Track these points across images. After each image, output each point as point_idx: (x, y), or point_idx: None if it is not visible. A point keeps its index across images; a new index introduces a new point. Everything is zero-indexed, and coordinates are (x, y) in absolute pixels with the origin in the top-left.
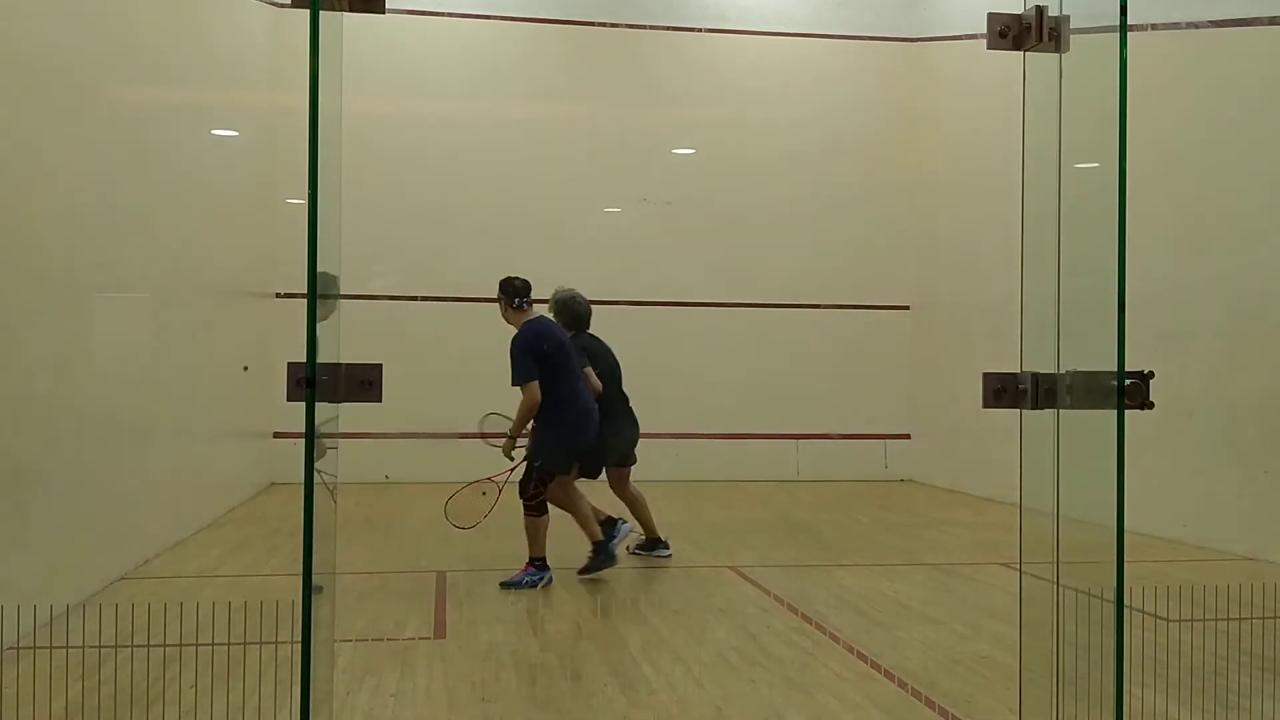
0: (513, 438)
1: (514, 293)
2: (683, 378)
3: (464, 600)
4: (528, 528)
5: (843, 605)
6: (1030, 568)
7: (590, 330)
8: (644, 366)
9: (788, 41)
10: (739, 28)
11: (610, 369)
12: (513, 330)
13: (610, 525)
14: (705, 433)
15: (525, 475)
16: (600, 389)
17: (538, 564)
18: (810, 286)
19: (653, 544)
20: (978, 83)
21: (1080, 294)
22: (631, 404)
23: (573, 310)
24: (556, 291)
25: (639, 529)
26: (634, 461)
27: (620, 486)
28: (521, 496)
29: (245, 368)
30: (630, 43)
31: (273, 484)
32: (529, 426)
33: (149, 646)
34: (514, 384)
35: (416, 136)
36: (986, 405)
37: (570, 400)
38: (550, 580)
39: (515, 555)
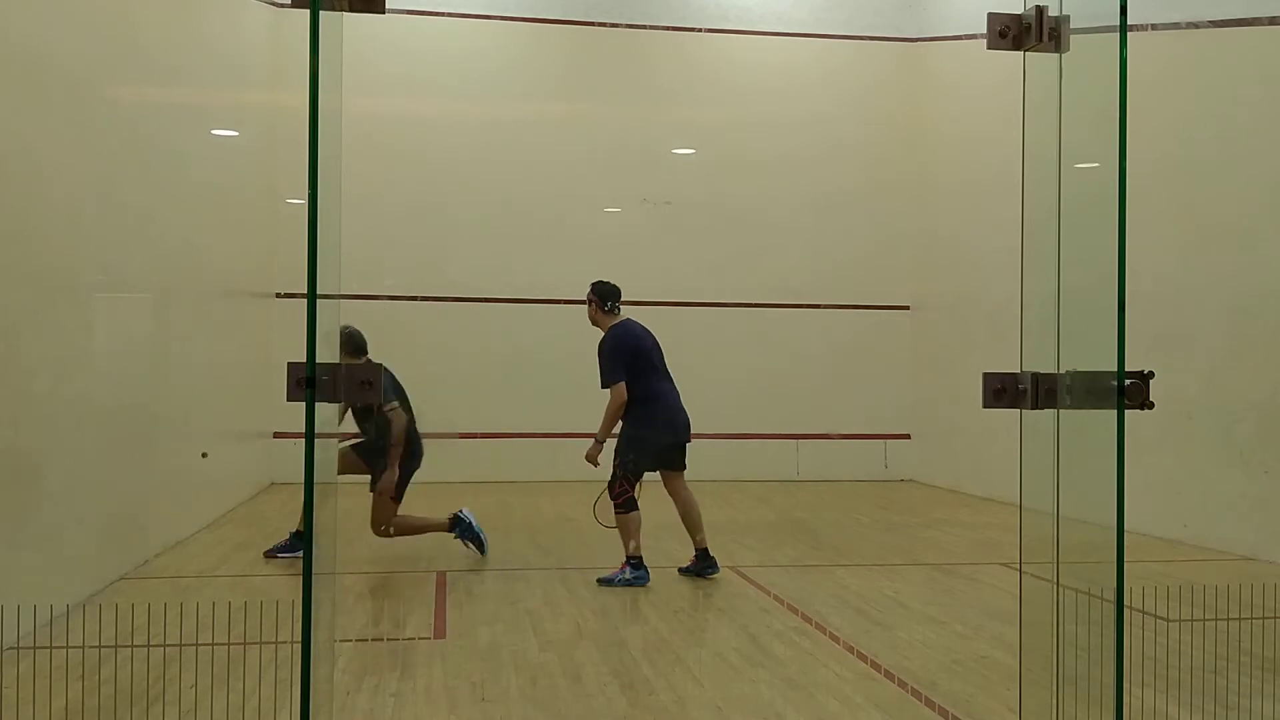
0: (600, 442)
1: (605, 295)
2: (683, 378)
3: (464, 600)
4: (619, 526)
5: (843, 605)
6: (1030, 568)
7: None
8: None
9: (788, 41)
10: (739, 28)
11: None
12: (598, 332)
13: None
14: (705, 433)
15: (612, 474)
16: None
17: (634, 563)
18: (810, 286)
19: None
20: (977, 83)
21: (1080, 294)
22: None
23: (356, 341)
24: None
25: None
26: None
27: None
28: (610, 496)
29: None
30: (630, 43)
31: (273, 484)
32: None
33: (149, 646)
34: (602, 386)
35: (416, 136)
36: (986, 405)
37: (656, 399)
38: (647, 580)
39: (516, 555)
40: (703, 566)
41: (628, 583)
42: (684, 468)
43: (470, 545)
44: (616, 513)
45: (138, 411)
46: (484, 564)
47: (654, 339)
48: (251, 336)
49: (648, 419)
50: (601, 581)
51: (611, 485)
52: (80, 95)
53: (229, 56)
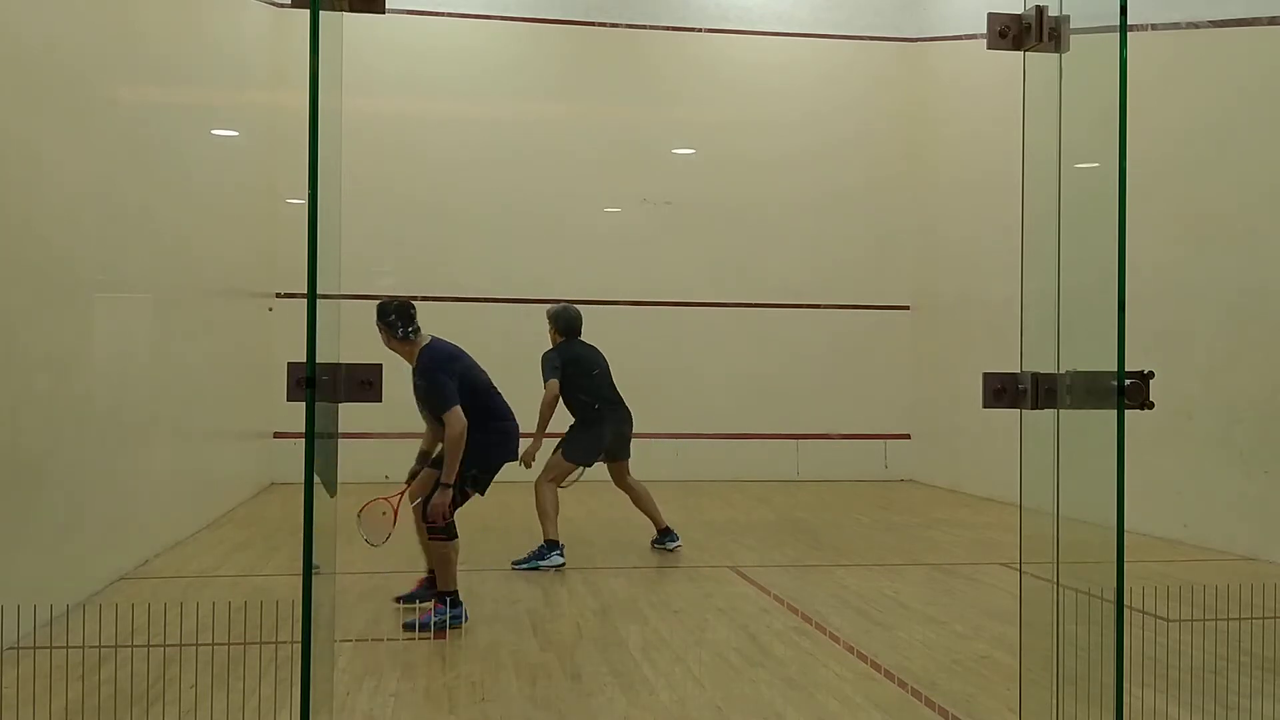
0: (448, 485)
1: (404, 319)
2: (683, 378)
3: (464, 600)
4: (438, 556)
5: (843, 605)
6: (1030, 568)
7: (587, 328)
8: (644, 366)
9: (788, 41)
10: (739, 28)
11: (604, 370)
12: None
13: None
14: (705, 433)
15: (431, 495)
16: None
17: (450, 599)
18: (810, 286)
19: (663, 535)
20: (978, 83)
21: (1080, 294)
22: (625, 400)
23: (568, 319)
24: (551, 308)
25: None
26: (628, 455)
27: (620, 480)
28: (427, 520)
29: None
30: (630, 43)
31: (273, 484)
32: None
33: (149, 646)
34: (440, 412)
35: (416, 136)
36: (986, 405)
37: (504, 417)
38: (465, 618)
39: (516, 555)
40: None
41: (441, 624)
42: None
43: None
44: (433, 538)
45: (138, 411)
46: (484, 564)
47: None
48: (251, 336)
49: (498, 439)
50: (408, 626)
51: (433, 509)
52: (80, 95)
53: (229, 56)
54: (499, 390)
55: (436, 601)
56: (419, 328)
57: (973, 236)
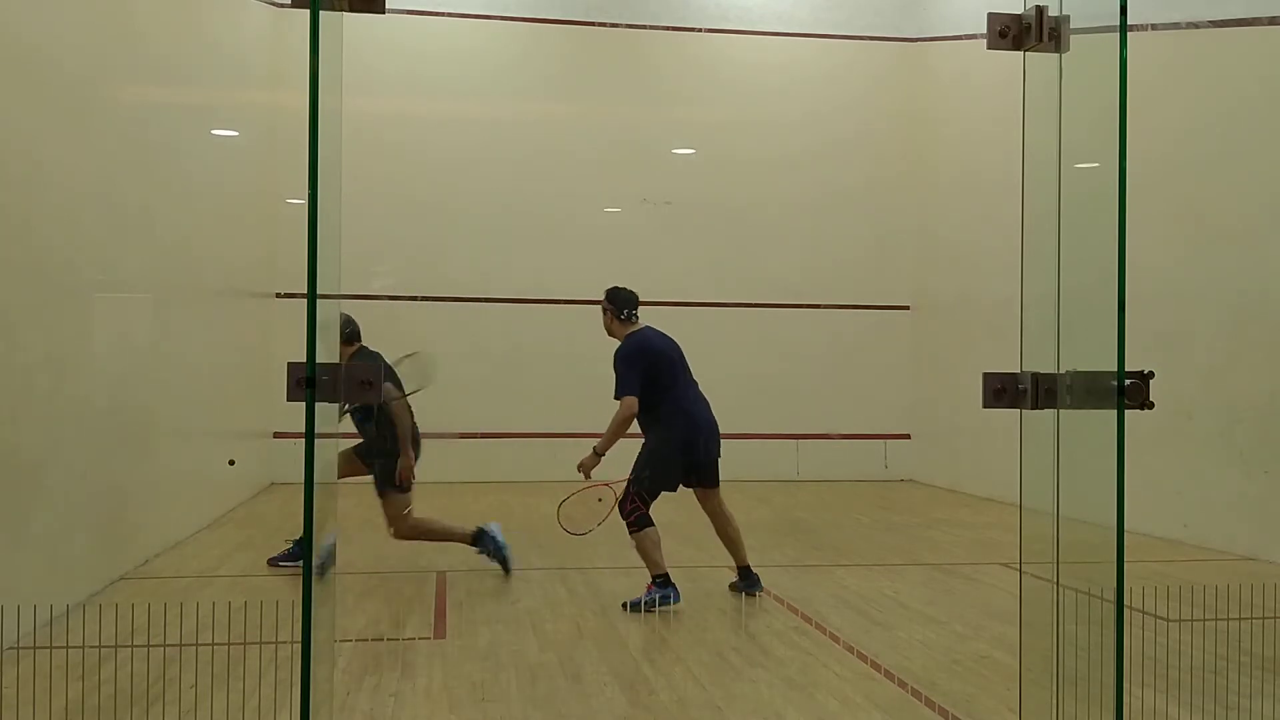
0: (599, 454)
1: (621, 303)
2: None
3: (464, 600)
4: (636, 546)
5: (843, 605)
6: (1030, 568)
7: (587, 327)
8: None
9: (788, 41)
10: (739, 28)
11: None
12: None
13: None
14: None
15: (624, 490)
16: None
17: (659, 581)
18: (810, 286)
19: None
20: (978, 83)
21: (1080, 294)
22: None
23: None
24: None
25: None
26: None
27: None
28: (621, 515)
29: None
30: (630, 43)
31: (273, 484)
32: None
33: (149, 646)
34: (615, 397)
35: (416, 136)
36: (986, 405)
37: (679, 413)
38: (676, 598)
39: (516, 555)
40: (747, 584)
41: (653, 604)
42: (716, 484)
43: (492, 561)
44: (631, 532)
45: (137, 411)
46: (484, 564)
47: (677, 348)
48: (251, 336)
49: (670, 434)
50: (630, 606)
51: (623, 503)
52: (80, 95)
53: (229, 56)
54: (700, 395)
55: (649, 585)
56: (636, 316)
57: (973, 236)
